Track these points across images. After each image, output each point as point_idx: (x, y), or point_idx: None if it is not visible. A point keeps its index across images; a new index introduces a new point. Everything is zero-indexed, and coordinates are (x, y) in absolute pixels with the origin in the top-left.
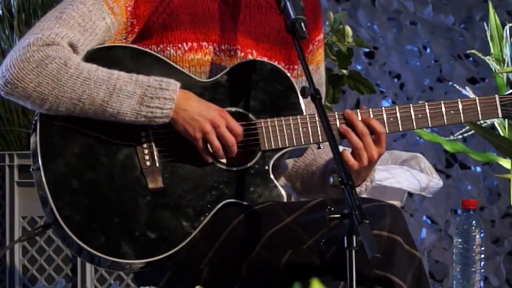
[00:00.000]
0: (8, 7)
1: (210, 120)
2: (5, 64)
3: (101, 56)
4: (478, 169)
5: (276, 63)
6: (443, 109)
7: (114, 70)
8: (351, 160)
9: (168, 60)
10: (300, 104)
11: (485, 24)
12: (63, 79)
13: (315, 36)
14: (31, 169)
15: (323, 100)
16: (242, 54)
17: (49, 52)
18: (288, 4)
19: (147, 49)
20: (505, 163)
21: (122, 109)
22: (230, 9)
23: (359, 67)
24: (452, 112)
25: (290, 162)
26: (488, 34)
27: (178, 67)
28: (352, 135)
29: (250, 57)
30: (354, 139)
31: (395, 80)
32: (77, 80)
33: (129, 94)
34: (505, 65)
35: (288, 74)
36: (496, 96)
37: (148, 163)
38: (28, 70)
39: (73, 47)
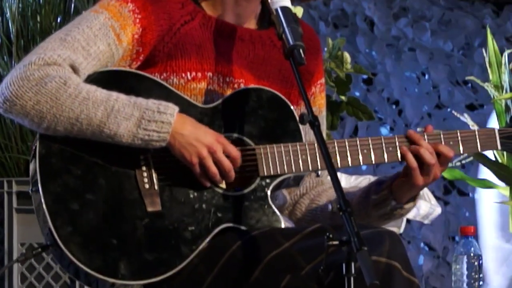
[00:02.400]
0: (7, 33)
1: (207, 145)
2: (5, 81)
3: (102, 78)
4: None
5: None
6: (442, 140)
7: (113, 92)
8: (419, 178)
9: (167, 85)
10: (299, 131)
11: (483, 51)
12: (62, 98)
13: (317, 78)
14: (29, 191)
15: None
16: (243, 86)
17: (50, 71)
18: (286, 30)
19: (147, 74)
20: (503, 190)
21: (119, 131)
22: (235, 43)
23: (357, 94)
24: (451, 143)
25: (287, 195)
26: (486, 60)
27: (178, 92)
28: (425, 151)
29: None
30: (427, 155)
31: (394, 106)
32: (75, 100)
33: (127, 116)
34: (504, 91)
35: (288, 102)
36: (496, 128)
37: (147, 186)
38: (27, 88)
39: (74, 69)
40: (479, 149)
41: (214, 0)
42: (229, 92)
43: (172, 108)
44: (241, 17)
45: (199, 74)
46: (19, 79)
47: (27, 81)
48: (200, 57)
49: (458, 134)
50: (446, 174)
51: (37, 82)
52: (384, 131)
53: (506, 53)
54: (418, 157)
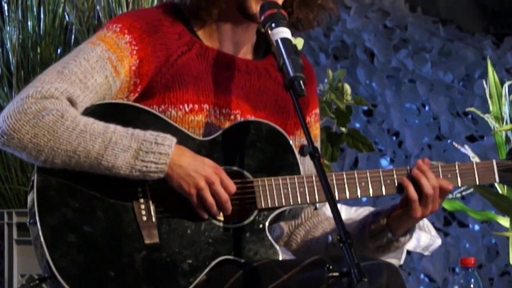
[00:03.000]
0: (7, 64)
1: (205, 176)
2: (3, 115)
3: (99, 110)
4: (477, 227)
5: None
6: (440, 172)
7: (110, 124)
8: (418, 210)
9: (165, 118)
10: (297, 164)
11: (484, 82)
12: (59, 131)
13: (312, 108)
14: (27, 223)
15: None
16: (242, 119)
17: (47, 105)
18: (287, 61)
19: (144, 107)
20: (503, 221)
21: (117, 162)
22: (232, 74)
23: (357, 125)
24: (449, 175)
25: (284, 226)
26: (487, 91)
27: (175, 124)
28: (425, 181)
29: None
30: (427, 186)
31: (394, 137)
32: (73, 132)
33: (124, 148)
34: (504, 123)
35: (286, 135)
36: (494, 161)
37: (144, 218)
38: (24, 121)
39: (72, 102)
40: (477, 182)
41: (210, 29)
42: (226, 123)
43: (170, 140)
44: (238, 46)
45: (196, 106)
46: (17, 112)
47: (24, 114)
48: (197, 88)
49: (457, 167)
50: (446, 205)
51: (35, 115)
52: (384, 162)
53: (506, 85)
54: (418, 187)
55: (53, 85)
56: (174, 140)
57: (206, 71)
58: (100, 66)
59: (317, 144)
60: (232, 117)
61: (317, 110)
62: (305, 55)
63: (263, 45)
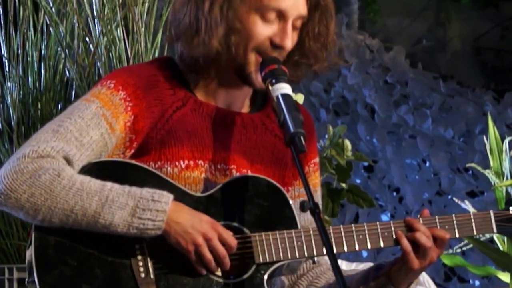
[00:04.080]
0: (8, 120)
1: (203, 233)
2: (0, 174)
3: (96, 169)
4: (477, 282)
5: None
6: (438, 224)
7: (107, 182)
8: (415, 261)
9: (161, 175)
10: (295, 219)
11: (484, 138)
12: (56, 190)
13: (311, 158)
14: (26, 282)
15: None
16: (237, 173)
17: (43, 164)
18: (287, 117)
19: (141, 164)
20: (504, 276)
21: (114, 220)
22: (227, 128)
23: (358, 181)
24: (446, 227)
25: (284, 279)
26: (487, 147)
27: (171, 181)
28: (421, 235)
29: None
30: (423, 238)
31: (394, 193)
32: (69, 191)
33: (121, 206)
34: (505, 178)
35: (283, 189)
36: (491, 211)
37: (142, 275)
38: (21, 181)
39: (68, 161)
40: (475, 233)
41: (206, 85)
42: (222, 179)
43: (167, 197)
44: (232, 103)
45: (192, 163)
46: (13, 172)
47: (21, 174)
48: (192, 144)
49: (454, 218)
50: (446, 261)
51: (31, 175)
52: (385, 218)
53: (507, 140)
54: (414, 240)
55: (49, 144)
56: (171, 197)
57: (201, 126)
58: (95, 123)
59: (318, 193)
60: (227, 172)
61: (316, 159)
62: (303, 106)
63: (260, 97)
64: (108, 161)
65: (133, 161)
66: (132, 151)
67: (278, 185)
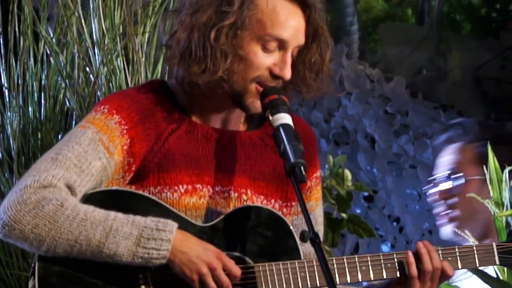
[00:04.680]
0: (8, 150)
1: (207, 262)
2: (3, 206)
3: (99, 198)
4: None
5: (272, 208)
6: (440, 255)
7: (111, 212)
8: (417, 286)
9: (165, 204)
10: (298, 249)
11: (484, 167)
12: (60, 221)
13: (312, 173)
14: None
15: (321, 238)
16: (236, 194)
17: (46, 194)
18: (288, 147)
19: (144, 193)
20: None
21: (118, 250)
22: (224, 148)
23: (358, 211)
24: (449, 258)
25: None
26: (487, 177)
27: (175, 210)
28: (427, 259)
29: (244, 197)
30: (427, 263)
31: (395, 223)
32: (73, 221)
33: (126, 235)
34: (504, 208)
35: (286, 220)
36: (494, 243)
37: None
38: (25, 212)
39: (70, 188)
40: (477, 265)
41: (200, 106)
42: (221, 202)
43: (171, 225)
44: (227, 123)
45: (190, 187)
46: (17, 203)
47: (24, 205)
48: (188, 167)
49: (456, 250)
50: None
51: (34, 205)
52: (385, 248)
53: (506, 170)
54: (419, 263)
55: (50, 173)
56: (175, 225)
57: (196, 148)
58: (92, 148)
59: (320, 207)
60: (226, 194)
61: (318, 173)
62: (304, 121)
63: (257, 115)
64: (110, 190)
65: (135, 190)
66: (132, 174)
67: (281, 215)
